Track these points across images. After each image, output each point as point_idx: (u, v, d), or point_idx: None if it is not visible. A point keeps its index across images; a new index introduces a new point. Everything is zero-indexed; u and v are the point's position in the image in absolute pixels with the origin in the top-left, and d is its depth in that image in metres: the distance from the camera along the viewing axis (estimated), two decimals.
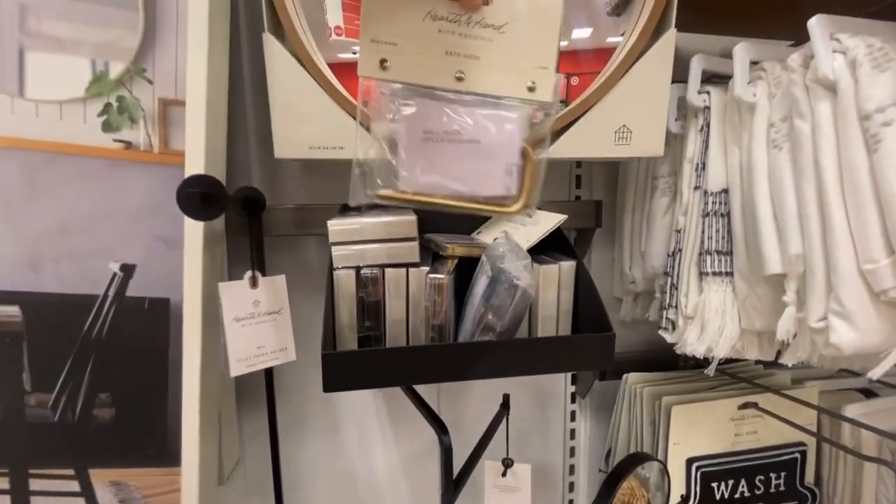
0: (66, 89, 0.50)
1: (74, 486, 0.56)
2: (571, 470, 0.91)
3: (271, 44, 0.51)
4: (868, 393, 0.80)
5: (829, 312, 0.45)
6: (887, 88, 0.41)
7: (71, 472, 0.56)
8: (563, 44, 0.55)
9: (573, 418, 0.89)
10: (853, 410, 0.73)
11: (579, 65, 0.62)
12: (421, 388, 0.63)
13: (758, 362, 0.82)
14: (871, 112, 0.42)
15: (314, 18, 0.57)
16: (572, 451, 0.90)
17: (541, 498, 0.90)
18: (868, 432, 0.68)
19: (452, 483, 0.53)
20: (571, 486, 0.91)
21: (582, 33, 0.72)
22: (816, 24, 0.45)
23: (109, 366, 0.55)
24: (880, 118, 0.41)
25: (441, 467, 0.52)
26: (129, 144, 0.52)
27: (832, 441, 0.73)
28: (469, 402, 0.84)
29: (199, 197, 0.46)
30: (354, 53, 0.51)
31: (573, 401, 0.88)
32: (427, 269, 0.50)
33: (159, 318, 0.55)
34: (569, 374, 0.87)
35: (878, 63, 0.42)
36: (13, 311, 0.53)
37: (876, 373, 0.44)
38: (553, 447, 0.90)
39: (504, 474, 0.70)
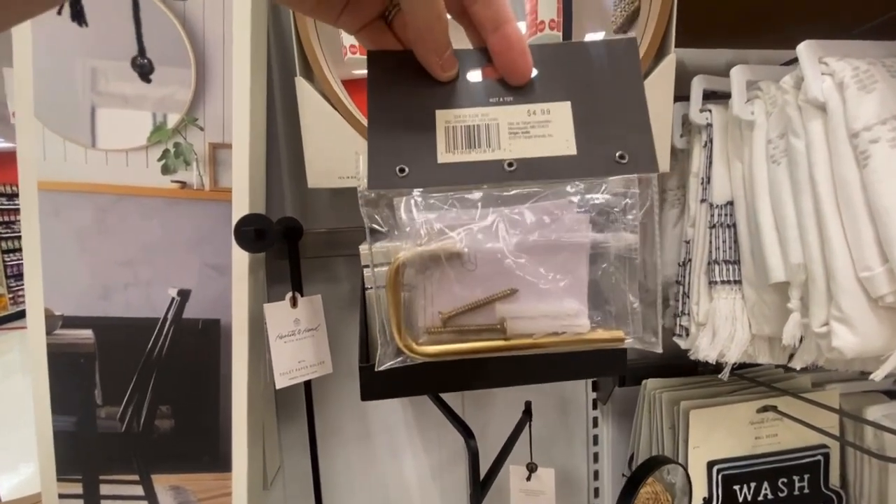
0: (130, 139, 0.58)
1: (139, 490, 0.63)
2: (596, 475, 0.92)
3: (303, 86, 0.57)
4: (893, 394, 0.80)
5: (830, 318, 0.48)
6: (873, 108, 0.44)
7: (136, 477, 0.62)
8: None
9: (595, 424, 0.91)
10: (874, 412, 0.73)
11: None
12: (447, 397, 0.67)
13: (778, 366, 0.83)
14: (859, 130, 0.45)
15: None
16: (596, 457, 0.92)
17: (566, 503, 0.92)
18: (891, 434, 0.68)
19: (480, 484, 0.57)
20: (596, 492, 0.93)
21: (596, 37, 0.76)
22: (805, 50, 0.49)
23: (169, 381, 0.61)
24: (868, 136, 0.44)
25: (469, 469, 0.56)
26: (184, 184, 0.59)
27: (848, 442, 0.73)
28: (494, 411, 0.87)
29: (253, 234, 0.53)
30: None
31: (595, 407, 0.90)
32: None
33: (211, 337, 0.61)
34: (590, 382, 0.89)
35: (864, 84, 0.45)
36: (87, 334, 0.60)
37: (878, 375, 0.46)
38: (577, 453, 0.92)
39: (529, 479, 0.73)
